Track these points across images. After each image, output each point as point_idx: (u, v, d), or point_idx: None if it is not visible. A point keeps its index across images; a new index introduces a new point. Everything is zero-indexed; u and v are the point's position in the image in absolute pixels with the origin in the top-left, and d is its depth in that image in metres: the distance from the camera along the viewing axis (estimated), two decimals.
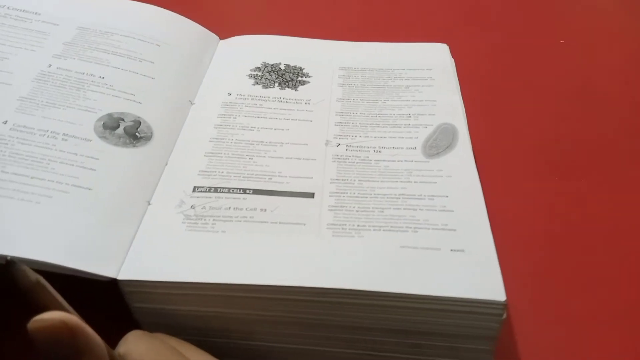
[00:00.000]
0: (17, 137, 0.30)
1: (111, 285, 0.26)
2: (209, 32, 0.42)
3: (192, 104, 0.36)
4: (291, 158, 0.32)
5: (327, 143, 0.33)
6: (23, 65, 0.34)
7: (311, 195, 0.30)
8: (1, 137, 0.29)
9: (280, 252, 0.27)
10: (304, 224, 0.28)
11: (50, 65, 0.34)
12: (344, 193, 0.30)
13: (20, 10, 0.37)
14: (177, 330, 0.27)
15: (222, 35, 0.43)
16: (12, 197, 0.27)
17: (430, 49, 0.41)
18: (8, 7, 0.37)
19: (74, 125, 0.31)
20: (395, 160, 0.32)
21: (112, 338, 0.23)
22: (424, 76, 0.39)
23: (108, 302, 0.26)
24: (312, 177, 0.31)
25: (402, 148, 0.33)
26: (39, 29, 0.36)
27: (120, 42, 0.37)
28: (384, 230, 0.28)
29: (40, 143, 0.30)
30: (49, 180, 0.28)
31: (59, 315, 0.19)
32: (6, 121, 0.30)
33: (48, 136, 0.30)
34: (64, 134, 0.31)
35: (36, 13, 0.37)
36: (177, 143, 0.33)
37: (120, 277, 0.25)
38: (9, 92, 0.32)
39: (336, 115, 0.36)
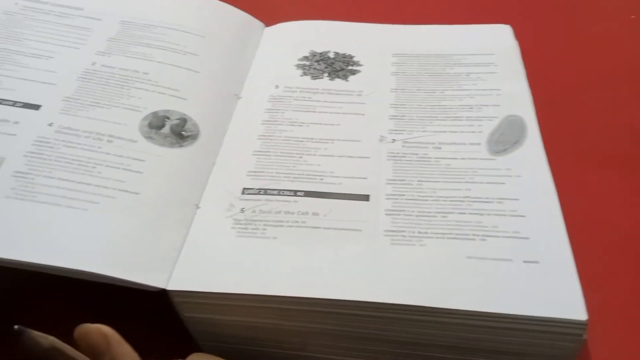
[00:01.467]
0: (62, 140, 0.29)
1: (161, 293, 0.25)
2: (254, 18, 0.40)
3: (238, 98, 0.34)
4: (343, 156, 0.30)
5: (381, 139, 0.31)
6: (67, 63, 0.33)
7: (366, 197, 0.28)
8: (47, 140, 0.29)
9: (335, 262, 0.25)
10: (360, 230, 0.26)
11: (94, 63, 0.33)
12: (402, 195, 0.28)
13: (63, 6, 0.37)
14: (228, 339, 0.26)
15: (267, 22, 0.41)
16: (60, 205, 0.26)
17: (491, 32, 0.38)
18: (52, 4, 0.37)
19: (119, 126, 0.30)
20: (457, 158, 0.29)
21: (164, 347, 0.22)
22: (485, 62, 0.35)
23: (158, 309, 0.26)
24: (366, 178, 0.29)
25: (464, 144, 0.30)
26: (82, 25, 0.36)
27: (163, 35, 0.36)
28: (447, 237, 0.26)
29: (86, 145, 0.29)
30: (95, 185, 0.27)
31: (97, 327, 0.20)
32: (51, 123, 0.30)
33: (93, 138, 0.29)
34: (109, 135, 0.30)
35: (79, 8, 0.37)
36: (224, 141, 0.32)
37: (169, 288, 0.24)
38: (54, 93, 0.31)
39: (390, 107, 0.33)
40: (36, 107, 0.30)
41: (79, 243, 0.25)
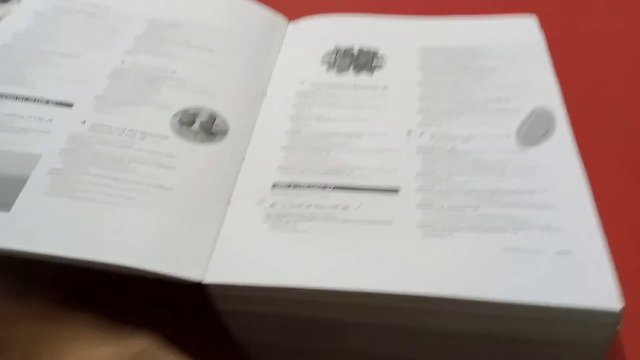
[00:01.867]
0: (96, 137, 0.30)
1: (196, 287, 0.25)
2: (278, 14, 0.40)
3: (264, 94, 0.35)
4: (371, 150, 0.30)
5: (409, 132, 0.31)
6: (98, 62, 0.34)
7: (395, 190, 0.28)
8: (81, 138, 0.29)
9: (366, 255, 0.25)
10: (390, 223, 0.27)
11: (123, 62, 0.34)
12: (432, 188, 0.28)
13: (92, 5, 0.37)
14: (261, 332, 0.26)
15: (290, 16, 0.41)
16: (95, 200, 0.27)
17: (516, 23, 0.38)
18: (80, 3, 0.37)
19: (151, 123, 0.31)
20: (486, 151, 0.29)
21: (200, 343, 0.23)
22: (511, 54, 0.35)
23: (193, 304, 0.26)
24: (395, 171, 0.29)
25: (493, 136, 0.30)
26: (111, 25, 0.36)
27: (190, 34, 0.36)
28: (479, 230, 0.26)
29: (119, 142, 0.30)
30: (130, 181, 0.28)
31: None
32: (84, 121, 0.30)
33: (126, 134, 0.30)
34: (141, 132, 0.30)
35: (107, 7, 0.37)
36: (253, 137, 0.32)
37: (206, 281, 0.25)
38: (86, 91, 0.32)
39: (417, 101, 0.33)
40: (69, 105, 0.31)
41: (116, 238, 0.26)
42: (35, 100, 0.31)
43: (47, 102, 0.31)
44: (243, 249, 0.26)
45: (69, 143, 0.29)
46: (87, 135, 0.30)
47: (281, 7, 0.41)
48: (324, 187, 0.29)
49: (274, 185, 0.29)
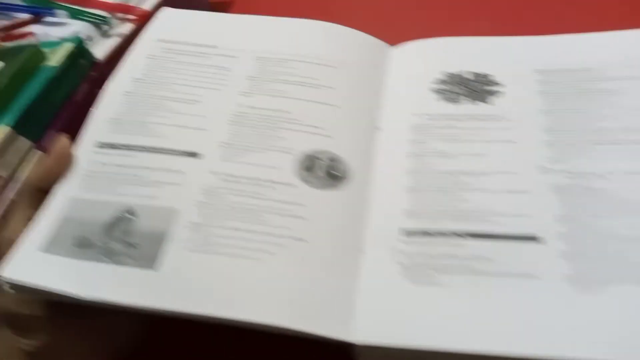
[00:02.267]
0: (227, 188, 0.30)
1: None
2: (378, 40, 0.39)
3: (377, 129, 0.34)
4: (501, 191, 0.30)
5: (540, 169, 0.30)
6: (215, 107, 0.34)
7: (533, 238, 0.27)
8: (215, 190, 0.30)
9: (516, 314, 0.25)
10: (535, 277, 0.26)
11: (239, 105, 0.34)
12: (576, 234, 0.27)
13: (198, 45, 0.38)
14: None
15: (390, 41, 0.40)
16: (237, 256, 0.28)
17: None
18: (185, 43, 0.38)
19: (276, 170, 0.31)
20: (630, 189, 0.28)
21: None
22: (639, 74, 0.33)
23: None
24: (531, 215, 0.28)
25: (636, 172, 0.29)
26: (219, 65, 0.36)
27: (296, 69, 0.36)
28: (634, 283, 0.25)
29: (250, 193, 0.30)
30: (265, 234, 0.28)
31: None
32: (214, 171, 0.31)
33: (254, 184, 0.30)
34: (270, 181, 0.30)
35: (213, 46, 0.37)
36: (373, 178, 0.32)
37: (357, 342, 0.25)
38: (209, 139, 0.32)
39: (543, 132, 0.32)
40: (195, 155, 0.32)
41: (257, 295, 0.26)
42: (163, 151, 0.32)
43: (174, 152, 0.32)
44: (386, 305, 0.26)
45: (203, 195, 0.30)
46: (219, 187, 0.30)
47: (377, 31, 0.40)
48: (458, 234, 0.28)
49: (404, 232, 0.29)
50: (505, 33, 0.38)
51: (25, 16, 0.48)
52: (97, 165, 0.31)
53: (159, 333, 0.31)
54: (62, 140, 0.32)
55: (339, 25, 0.39)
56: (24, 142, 0.38)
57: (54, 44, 0.42)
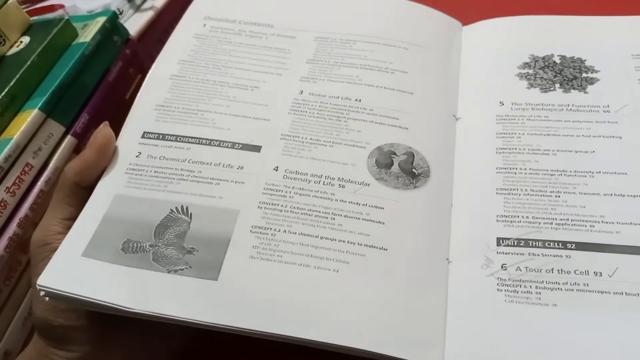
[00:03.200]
0: (292, 187, 0.27)
1: None
2: (451, 18, 0.35)
3: (456, 119, 0.30)
4: (612, 195, 0.26)
5: None
6: (275, 94, 0.30)
7: None
8: (277, 188, 0.26)
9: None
10: None
11: (301, 92, 0.30)
12: None
13: (253, 24, 0.33)
14: None
15: (462, 19, 0.35)
16: (309, 265, 0.24)
17: None
18: (240, 22, 0.34)
19: (347, 167, 0.27)
20: None
21: None
22: None
23: None
24: None
25: None
26: (277, 46, 0.32)
27: (365, 51, 0.32)
28: None
29: (318, 192, 0.26)
30: (339, 241, 0.25)
31: None
32: (277, 167, 0.27)
33: (324, 183, 0.27)
34: (340, 179, 0.27)
35: (269, 25, 0.33)
36: (456, 176, 0.28)
37: None
38: (271, 130, 0.29)
39: None
40: (257, 148, 0.28)
41: (337, 313, 0.23)
42: (219, 143, 0.28)
43: (233, 145, 0.28)
44: (479, 326, 0.23)
45: (266, 195, 0.26)
46: (283, 185, 0.27)
47: (443, 6, 0.35)
48: (564, 245, 0.24)
49: (499, 241, 0.25)
50: (593, 11, 0.33)
51: None
52: (144, 158, 0.28)
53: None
54: (104, 129, 0.28)
55: (409, 1, 0.35)
56: (56, 127, 0.34)
57: (84, 18, 0.38)
